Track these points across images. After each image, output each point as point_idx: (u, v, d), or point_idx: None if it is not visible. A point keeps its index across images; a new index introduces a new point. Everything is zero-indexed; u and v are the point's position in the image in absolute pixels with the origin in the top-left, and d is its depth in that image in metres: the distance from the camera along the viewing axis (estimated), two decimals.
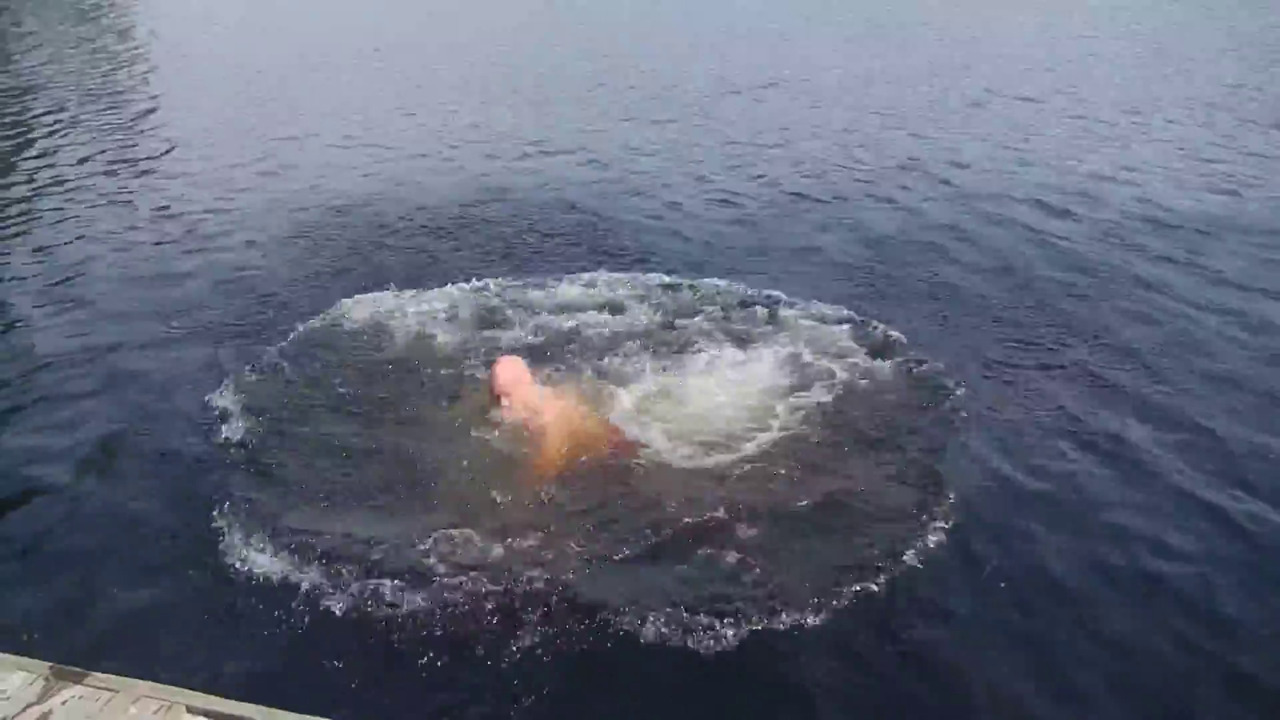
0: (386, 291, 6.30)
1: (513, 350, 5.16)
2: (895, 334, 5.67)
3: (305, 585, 3.49)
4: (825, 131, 11.78)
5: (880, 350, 5.46)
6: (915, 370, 5.26)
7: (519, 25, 22.82)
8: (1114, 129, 11.82)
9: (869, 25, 22.38)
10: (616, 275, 6.70)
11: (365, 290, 6.34)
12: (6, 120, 12.59)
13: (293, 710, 2.50)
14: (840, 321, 5.87)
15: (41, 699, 2.53)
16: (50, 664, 2.64)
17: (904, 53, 18.21)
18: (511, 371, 4.50)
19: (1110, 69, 16.48)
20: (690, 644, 3.28)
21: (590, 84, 15.13)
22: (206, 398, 4.90)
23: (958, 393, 5.01)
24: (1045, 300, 6.42)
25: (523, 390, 4.46)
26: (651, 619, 3.35)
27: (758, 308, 6.08)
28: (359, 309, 6.04)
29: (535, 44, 20.07)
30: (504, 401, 4.41)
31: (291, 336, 5.67)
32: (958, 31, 21.20)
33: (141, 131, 12.17)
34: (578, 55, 18.34)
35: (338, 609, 3.37)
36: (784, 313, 6.01)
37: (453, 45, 20.18)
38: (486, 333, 5.73)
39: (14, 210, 8.68)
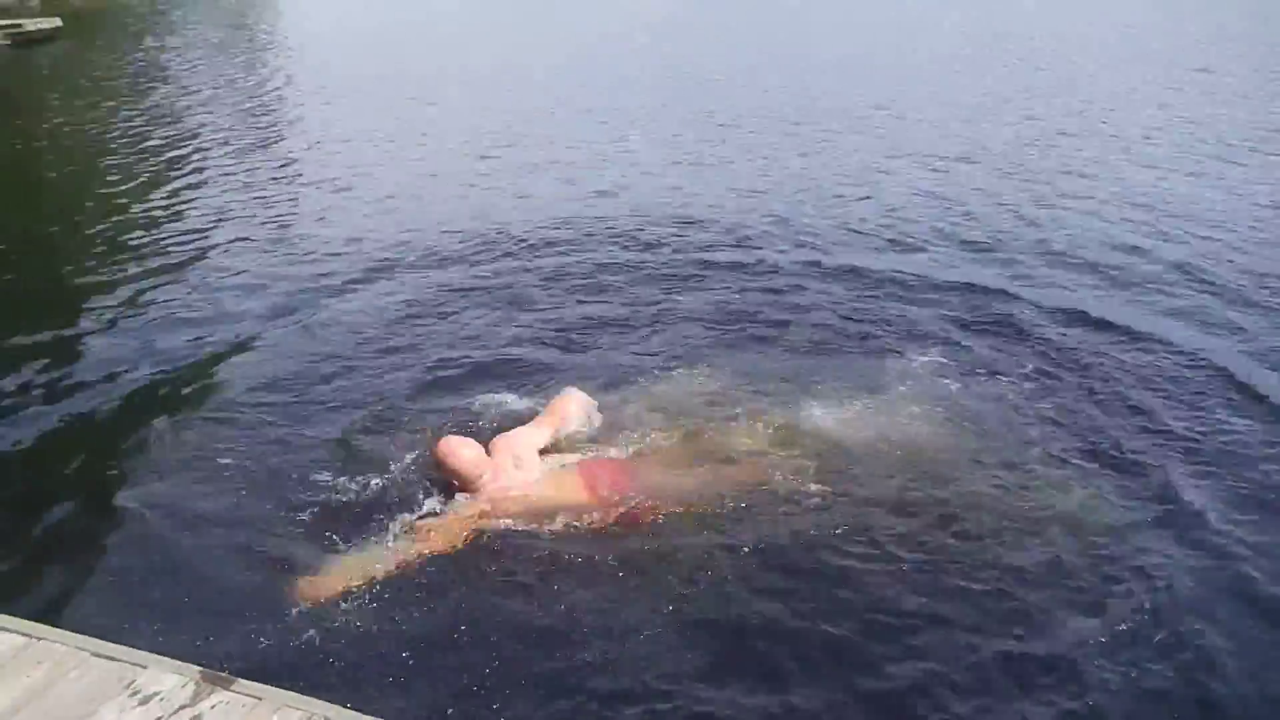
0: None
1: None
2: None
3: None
4: (981, 153, 11.51)
5: None
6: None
7: (672, 49, 22.93)
8: None
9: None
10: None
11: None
12: (162, 124, 13.48)
13: None
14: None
15: (193, 702, 2.64)
16: (200, 669, 2.76)
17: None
18: (448, 465, 4.24)
19: None
20: None
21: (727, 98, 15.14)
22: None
23: None
24: None
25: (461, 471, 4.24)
26: None
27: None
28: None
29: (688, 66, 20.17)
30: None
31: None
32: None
33: (284, 138, 12.86)
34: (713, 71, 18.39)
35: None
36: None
37: (593, 57, 20.52)
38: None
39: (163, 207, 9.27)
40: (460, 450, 4.23)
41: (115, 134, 13.19)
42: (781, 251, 8.02)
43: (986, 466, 4.65)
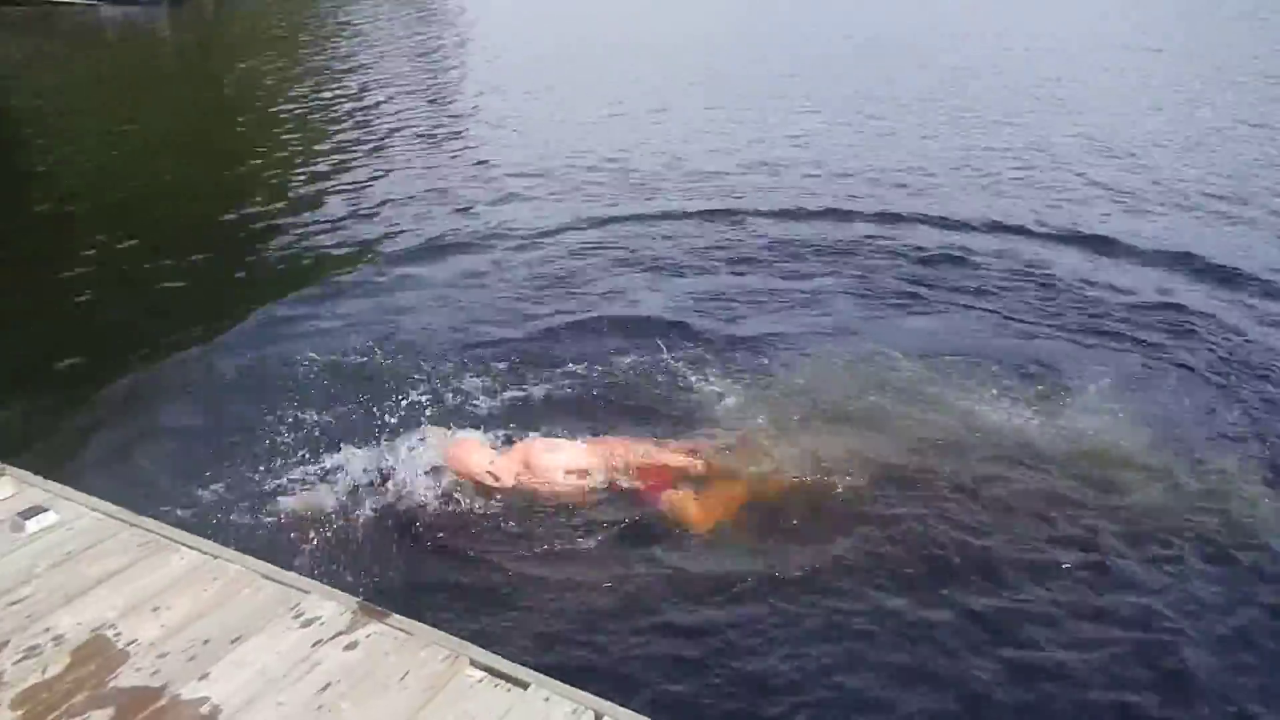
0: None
1: None
2: None
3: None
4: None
5: None
6: None
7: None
8: None
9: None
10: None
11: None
12: (346, 95, 14.29)
13: (565, 682, 2.55)
14: None
15: (349, 629, 2.76)
16: (358, 600, 2.88)
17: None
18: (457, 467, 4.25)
19: None
20: None
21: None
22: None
23: None
24: None
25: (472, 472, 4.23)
26: None
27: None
28: None
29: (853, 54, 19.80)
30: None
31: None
32: None
33: (463, 114, 13.40)
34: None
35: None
36: None
37: (770, 45, 20.34)
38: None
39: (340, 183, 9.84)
40: (467, 457, 4.22)
41: (299, 82, 14.23)
42: (939, 233, 7.84)
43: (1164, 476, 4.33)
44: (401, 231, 8.20)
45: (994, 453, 4.49)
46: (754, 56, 19.42)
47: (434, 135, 11.94)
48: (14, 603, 2.91)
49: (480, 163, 10.47)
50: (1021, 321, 6.16)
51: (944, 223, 8.20)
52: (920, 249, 7.51)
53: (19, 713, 2.48)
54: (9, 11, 24.78)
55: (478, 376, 5.25)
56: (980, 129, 12.20)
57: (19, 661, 2.66)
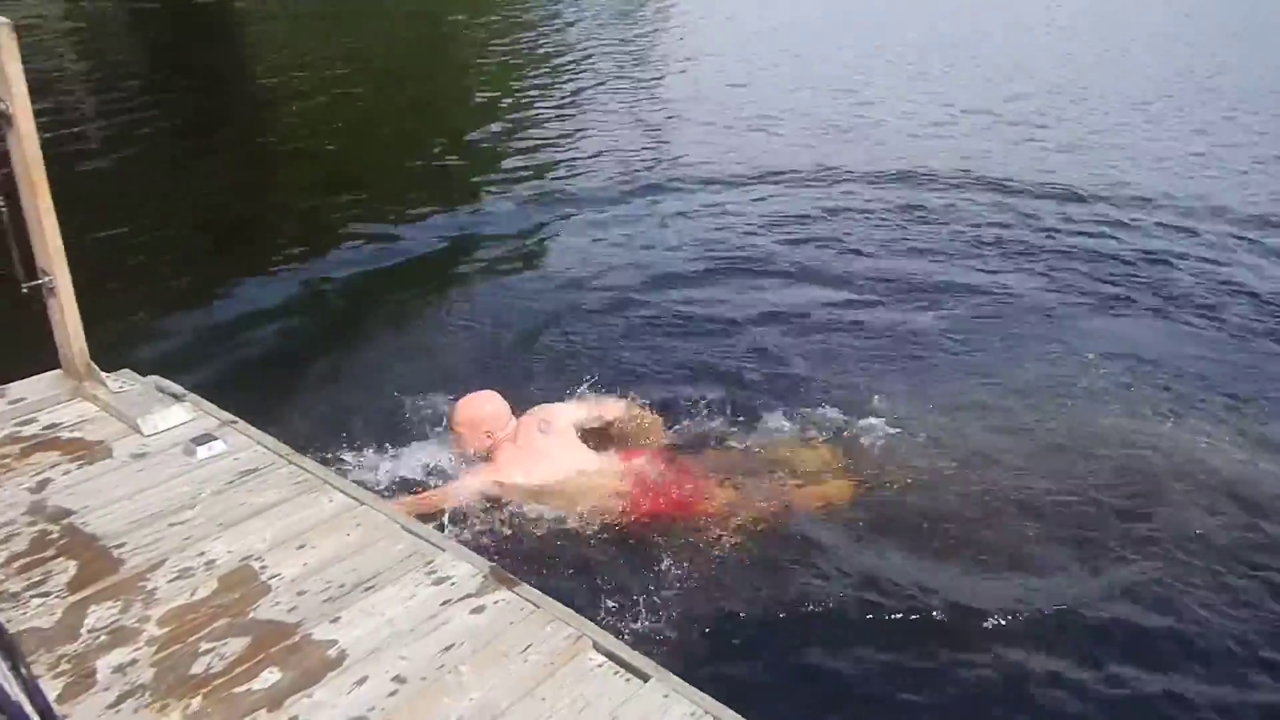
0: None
1: None
2: None
3: None
4: None
5: None
6: None
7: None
8: None
9: None
10: None
11: None
12: (554, 85, 14.69)
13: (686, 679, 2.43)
14: None
15: (478, 593, 2.73)
16: (491, 564, 2.85)
17: None
18: (464, 412, 4.17)
19: None
20: None
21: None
22: None
23: None
24: None
25: (475, 435, 4.13)
26: None
27: None
28: None
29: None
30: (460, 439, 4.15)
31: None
32: None
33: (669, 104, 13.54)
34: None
35: None
36: None
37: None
38: None
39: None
40: (478, 405, 4.13)
41: (507, 35, 14.99)
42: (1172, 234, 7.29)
43: None
44: (597, 184, 8.51)
45: (1195, 494, 4.03)
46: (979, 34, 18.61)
47: (638, 94, 12.39)
48: (176, 524, 3.05)
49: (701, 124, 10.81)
50: (1234, 339, 5.59)
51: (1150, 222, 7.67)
52: (1123, 245, 7.03)
53: (166, 630, 2.58)
54: None
55: (636, 349, 5.25)
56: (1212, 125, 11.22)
57: (172, 581, 2.78)
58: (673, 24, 21.12)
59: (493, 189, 8.64)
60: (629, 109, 12.08)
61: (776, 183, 8.75)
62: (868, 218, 7.84)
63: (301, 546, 2.95)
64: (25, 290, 3.60)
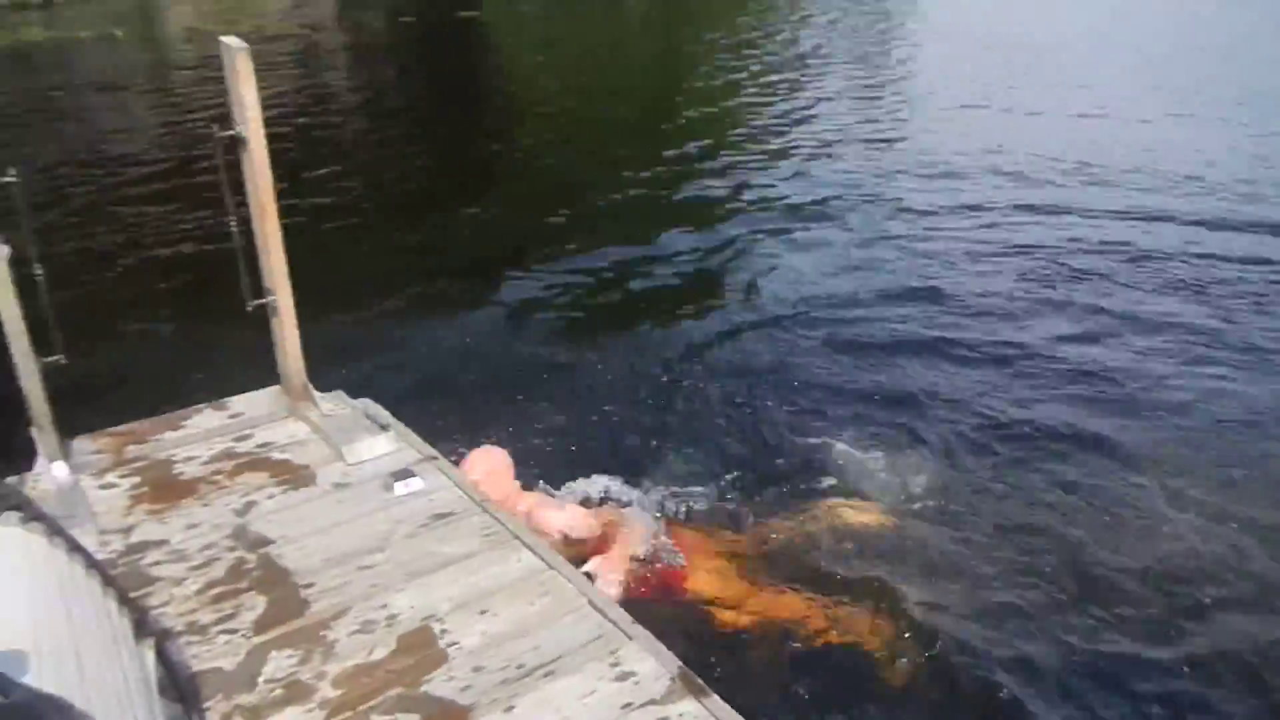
0: None
1: None
2: None
3: None
4: None
5: None
6: None
7: None
8: None
9: None
10: None
11: None
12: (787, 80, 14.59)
13: None
14: None
15: (662, 699, 2.44)
16: (679, 665, 2.55)
17: None
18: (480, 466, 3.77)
19: None
20: None
21: None
22: None
23: None
24: None
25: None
26: None
27: None
28: None
29: None
30: None
31: None
32: None
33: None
34: None
35: None
36: None
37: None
38: None
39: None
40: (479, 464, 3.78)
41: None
42: None
43: None
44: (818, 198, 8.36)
45: None
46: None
47: (876, 110, 12.17)
48: (365, 568, 2.96)
49: (923, 152, 10.43)
50: None
51: None
52: None
53: (339, 692, 2.46)
54: None
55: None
56: None
57: (352, 634, 2.67)
58: (913, 38, 20.50)
59: (727, 209, 8.67)
60: (858, 125, 11.91)
61: (1001, 210, 8.35)
62: (1095, 256, 7.28)
63: (484, 611, 2.77)
64: (250, 309, 3.68)
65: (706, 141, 11.14)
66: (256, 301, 3.68)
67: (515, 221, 8.51)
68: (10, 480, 3.21)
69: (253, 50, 3.21)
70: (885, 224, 8.25)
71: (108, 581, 1.99)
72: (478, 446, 4.02)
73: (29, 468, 3.26)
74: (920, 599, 3.62)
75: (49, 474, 3.24)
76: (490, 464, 3.83)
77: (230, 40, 3.27)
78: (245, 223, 3.56)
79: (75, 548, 1.97)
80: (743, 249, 7.61)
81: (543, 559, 3.01)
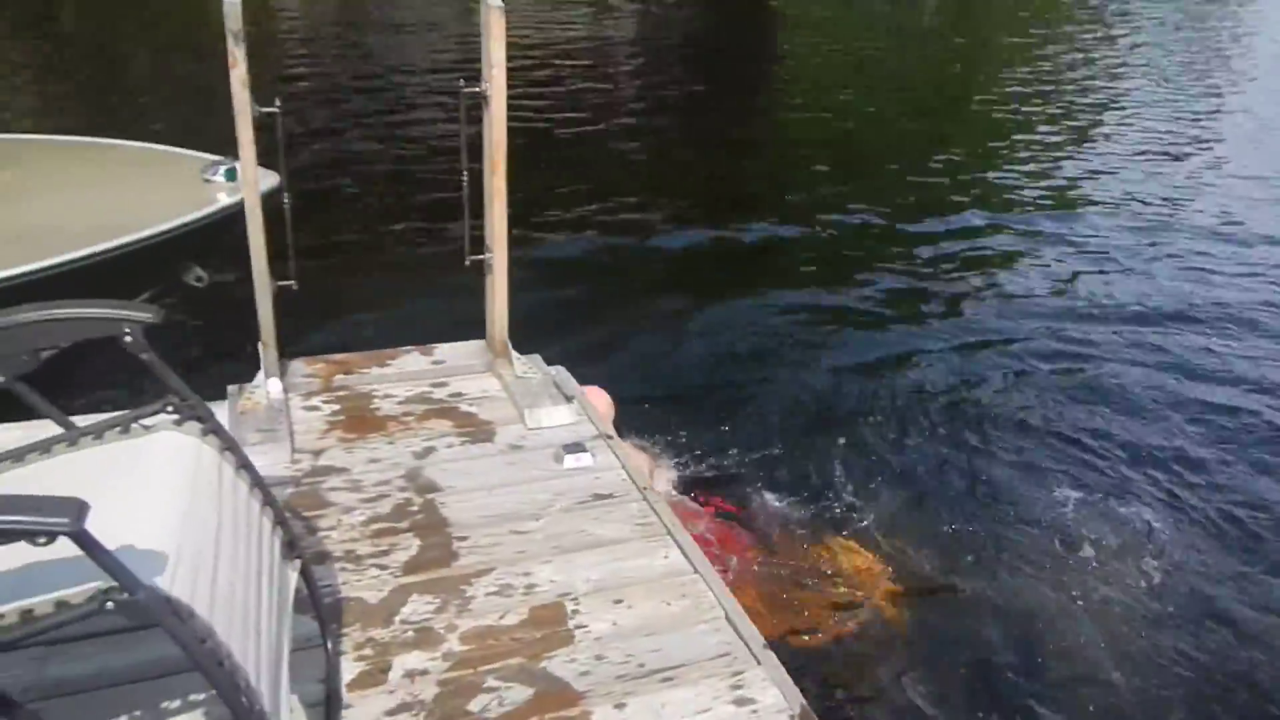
0: None
1: None
2: None
3: None
4: None
5: None
6: None
7: None
8: None
9: None
10: None
11: None
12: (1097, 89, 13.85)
13: None
14: None
15: None
16: (803, 702, 2.41)
17: None
18: None
19: None
20: None
21: None
22: None
23: None
24: None
25: None
26: None
27: None
28: None
29: None
30: None
31: None
32: None
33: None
34: None
35: None
36: None
37: None
38: None
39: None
40: None
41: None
42: None
43: None
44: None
45: None
46: None
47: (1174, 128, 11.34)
48: (518, 533, 3.00)
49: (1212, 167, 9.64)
50: None
51: None
52: None
53: (464, 648, 2.51)
54: None
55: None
56: None
57: (489, 595, 2.72)
58: (1238, 47, 18.66)
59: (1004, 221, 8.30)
60: (1158, 140, 11.10)
61: None
62: None
63: (619, 601, 2.73)
64: (468, 264, 3.82)
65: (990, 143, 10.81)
66: (474, 257, 3.82)
67: (768, 215, 8.41)
68: (231, 388, 3.53)
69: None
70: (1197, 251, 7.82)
71: (267, 501, 2.10)
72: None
73: (249, 379, 3.55)
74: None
75: (264, 388, 3.52)
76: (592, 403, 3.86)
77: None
78: (476, 178, 3.70)
79: (244, 465, 2.10)
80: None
81: (690, 560, 2.93)
